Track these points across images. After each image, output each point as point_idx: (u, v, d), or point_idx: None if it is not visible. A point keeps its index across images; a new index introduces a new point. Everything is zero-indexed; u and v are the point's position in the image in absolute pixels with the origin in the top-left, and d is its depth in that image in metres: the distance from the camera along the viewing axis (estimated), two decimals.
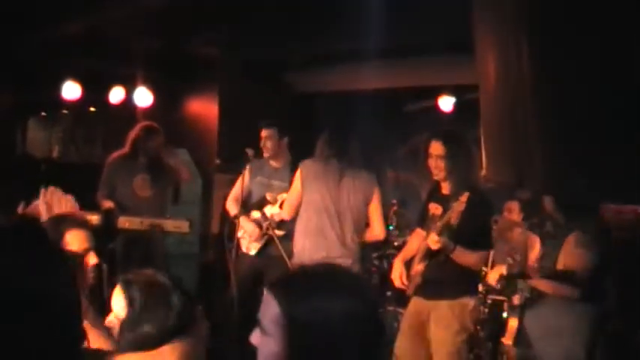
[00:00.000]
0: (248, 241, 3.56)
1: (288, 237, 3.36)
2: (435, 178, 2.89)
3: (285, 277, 1.11)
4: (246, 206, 3.74)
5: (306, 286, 1.01)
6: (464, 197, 2.63)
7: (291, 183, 3.41)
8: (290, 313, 0.98)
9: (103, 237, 4.09)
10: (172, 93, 5.55)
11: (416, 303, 2.91)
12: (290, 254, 3.25)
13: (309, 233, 3.13)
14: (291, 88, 5.87)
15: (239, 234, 3.76)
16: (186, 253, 5.41)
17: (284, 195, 3.57)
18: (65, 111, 5.90)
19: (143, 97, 5.30)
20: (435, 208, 2.90)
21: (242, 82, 5.38)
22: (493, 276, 3.39)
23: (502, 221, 3.70)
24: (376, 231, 3.22)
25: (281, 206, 3.59)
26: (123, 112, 5.25)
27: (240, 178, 3.78)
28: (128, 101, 5.27)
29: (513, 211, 3.78)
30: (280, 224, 3.59)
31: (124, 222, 3.95)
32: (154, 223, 3.95)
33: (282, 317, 0.98)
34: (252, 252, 3.70)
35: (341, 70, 5.41)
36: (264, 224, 3.66)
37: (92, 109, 5.84)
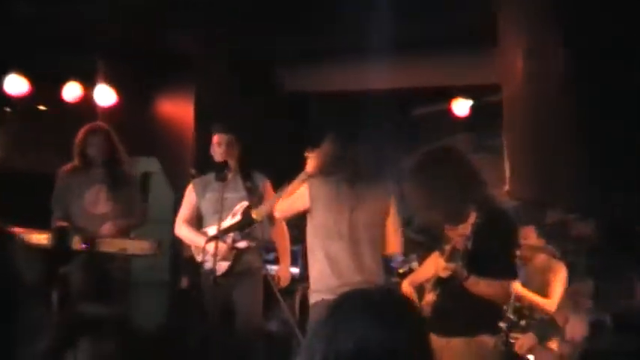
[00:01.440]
0: (213, 261, 3.62)
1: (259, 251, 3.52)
2: None
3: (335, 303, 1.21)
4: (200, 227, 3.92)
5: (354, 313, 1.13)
6: (471, 218, 2.64)
7: (249, 191, 3.73)
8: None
9: (54, 260, 4.10)
10: (140, 91, 5.50)
11: None
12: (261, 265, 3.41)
13: (323, 260, 3.23)
14: (280, 88, 5.88)
15: (199, 257, 3.86)
16: (155, 281, 5.37)
17: (244, 203, 3.79)
18: (8, 109, 5.83)
19: (104, 95, 5.23)
20: (450, 230, 2.90)
21: (222, 80, 5.37)
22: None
23: (522, 248, 3.70)
24: (392, 245, 3.38)
25: (242, 215, 3.77)
26: (80, 112, 5.16)
27: (185, 198, 4.02)
28: (86, 100, 5.21)
29: (529, 238, 3.79)
30: (246, 236, 3.72)
31: (78, 242, 3.91)
32: (115, 244, 3.93)
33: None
34: (220, 271, 3.77)
35: (340, 68, 5.43)
36: (229, 238, 3.75)
37: (42, 107, 5.77)
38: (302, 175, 3.40)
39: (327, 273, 3.21)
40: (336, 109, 5.98)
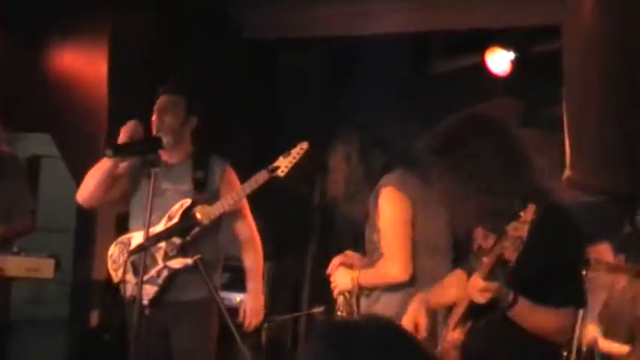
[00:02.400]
0: (134, 283, 3.63)
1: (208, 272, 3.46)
2: None
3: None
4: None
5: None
6: (527, 214, 2.65)
7: (197, 183, 3.78)
8: None
9: None
10: (29, 38, 5.46)
11: None
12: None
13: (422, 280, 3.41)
14: (238, 33, 5.85)
15: (116, 276, 3.88)
16: (47, 318, 5.33)
17: (186, 201, 3.86)
18: None
19: None
20: (482, 237, 2.91)
21: (149, 18, 5.32)
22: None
23: (593, 266, 3.75)
24: None
25: (181, 218, 3.82)
26: None
27: None
28: None
29: (602, 252, 3.83)
30: (185, 249, 3.76)
31: None
32: None
33: None
34: (147, 298, 3.79)
35: (327, 4, 5.39)
36: (160, 252, 3.78)
37: None
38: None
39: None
40: (319, 66, 5.97)
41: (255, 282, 4.08)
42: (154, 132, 3.85)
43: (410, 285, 3.42)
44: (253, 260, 4.09)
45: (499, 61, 5.45)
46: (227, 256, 4.16)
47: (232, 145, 5.07)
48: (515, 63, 5.38)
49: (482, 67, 5.46)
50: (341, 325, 1.31)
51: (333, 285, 3.59)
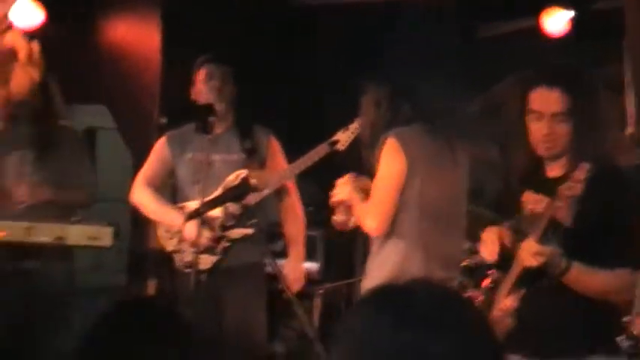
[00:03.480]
0: (191, 252, 3.69)
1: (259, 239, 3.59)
2: (544, 152, 2.87)
3: (362, 302, 1.29)
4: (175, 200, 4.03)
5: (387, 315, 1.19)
6: (580, 172, 2.63)
7: (248, 153, 3.82)
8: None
9: None
10: (80, 9, 5.52)
11: None
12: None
13: (417, 245, 3.32)
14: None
15: (170, 245, 3.94)
16: (104, 286, 5.43)
17: (241, 172, 3.90)
18: None
19: (27, 14, 5.28)
20: (534, 201, 2.89)
21: None
22: None
23: None
24: None
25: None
26: None
27: (152, 154, 4.13)
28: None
29: None
30: (242, 219, 3.80)
31: None
32: (49, 231, 3.97)
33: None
34: (204, 267, 3.86)
35: None
36: (216, 222, 3.82)
37: None
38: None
39: (415, 262, 3.32)
40: (360, 28, 5.96)
41: (297, 249, 4.15)
42: (203, 100, 3.90)
43: (406, 248, 3.33)
44: (295, 227, 4.16)
45: (556, 21, 5.39)
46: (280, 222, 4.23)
47: (272, 112, 5.11)
48: (575, 22, 5.33)
49: (537, 29, 5.41)
50: (393, 288, 1.27)
51: (333, 192, 3.51)
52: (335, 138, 3.89)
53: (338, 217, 3.51)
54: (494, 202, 3.48)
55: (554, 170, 2.86)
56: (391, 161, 3.31)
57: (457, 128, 3.49)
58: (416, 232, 3.32)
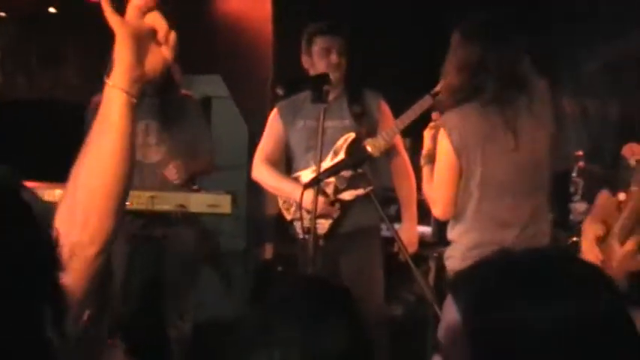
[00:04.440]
0: (309, 219, 3.73)
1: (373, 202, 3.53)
2: None
3: (474, 271, 1.21)
4: (290, 168, 4.08)
5: (506, 284, 1.12)
6: None
7: (357, 117, 3.85)
8: (478, 325, 1.10)
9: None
10: None
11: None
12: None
13: (480, 227, 3.31)
14: None
15: (289, 213, 4.05)
16: (227, 250, 5.61)
17: (349, 135, 3.95)
18: (3, 13, 5.82)
19: None
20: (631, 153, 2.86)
21: None
22: None
23: None
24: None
25: (347, 152, 3.92)
26: (102, 13, 5.36)
27: (267, 128, 4.16)
28: None
29: None
30: (354, 181, 3.82)
31: None
32: (172, 199, 4.16)
33: (466, 331, 1.11)
34: (321, 232, 3.96)
35: None
36: (330, 186, 3.91)
37: (51, 10, 5.78)
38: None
39: (485, 240, 3.31)
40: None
41: (410, 211, 4.18)
42: (318, 71, 3.93)
43: (479, 229, 3.31)
44: (407, 190, 4.18)
45: None
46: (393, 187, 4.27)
47: (391, 78, 5.13)
48: None
49: None
50: (505, 256, 1.19)
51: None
52: (437, 88, 3.88)
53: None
54: (612, 160, 3.42)
55: None
56: (441, 148, 3.32)
57: (577, 84, 3.42)
58: (479, 216, 3.32)
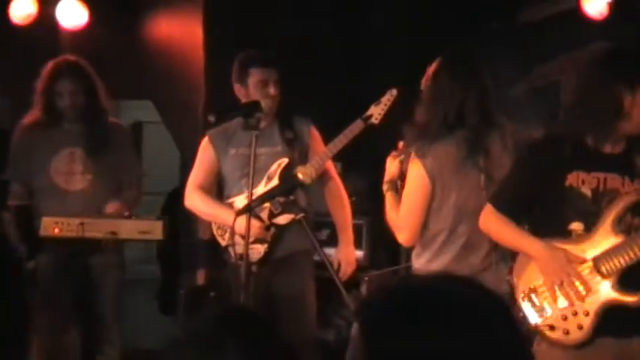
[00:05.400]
0: (243, 244, 3.73)
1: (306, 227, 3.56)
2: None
3: (377, 296, 1.26)
4: (222, 194, 4.10)
5: (404, 310, 1.15)
6: None
7: (289, 143, 3.88)
8: (373, 347, 1.13)
9: (12, 251, 4.26)
10: (123, 7, 5.60)
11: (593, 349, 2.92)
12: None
13: (451, 250, 3.36)
14: None
15: (224, 239, 4.05)
16: (152, 277, 5.57)
17: (282, 160, 3.98)
18: None
19: (71, 14, 5.36)
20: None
21: None
22: None
23: None
24: None
25: (280, 178, 3.94)
26: (34, 38, 5.26)
27: (199, 156, 4.17)
28: (45, 19, 5.28)
29: None
30: (288, 206, 3.83)
31: (51, 226, 4.11)
32: (103, 226, 4.13)
33: (364, 352, 1.14)
34: (256, 257, 3.96)
35: None
36: (265, 211, 3.92)
37: None
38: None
39: (452, 267, 3.34)
40: (408, 17, 5.98)
41: (346, 234, 4.21)
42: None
43: (455, 250, 3.35)
44: (342, 214, 4.21)
45: (595, 4, 5.38)
46: (326, 212, 4.29)
47: (319, 103, 5.18)
48: (612, 5, 5.34)
49: (576, 12, 5.40)
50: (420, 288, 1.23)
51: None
52: (368, 113, 3.92)
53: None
54: None
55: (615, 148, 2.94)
56: (415, 182, 3.34)
57: (502, 111, 3.50)
58: (453, 238, 3.35)
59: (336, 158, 4.18)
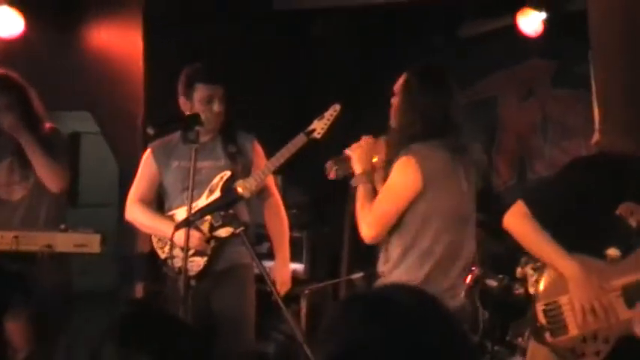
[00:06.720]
0: (182, 257, 3.73)
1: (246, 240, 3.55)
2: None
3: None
4: (163, 206, 4.11)
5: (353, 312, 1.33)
6: None
7: (232, 157, 3.93)
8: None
9: None
10: (61, 16, 5.54)
11: None
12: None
13: (438, 257, 3.35)
14: (269, 4, 5.95)
15: (163, 252, 4.06)
16: (95, 291, 5.48)
17: (225, 174, 4.00)
18: None
19: (6, 22, 5.27)
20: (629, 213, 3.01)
21: None
22: None
23: None
24: None
25: (223, 190, 3.95)
26: None
27: (141, 169, 4.19)
28: None
29: None
30: (229, 220, 3.77)
31: None
32: (38, 239, 4.06)
33: None
34: (196, 269, 3.97)
35: None
36: (205, 224, 3.93)
37: None
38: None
39: (435, 275, 3.34)
40: (354, 35, 6.04)
41: (282, 250, 4.23)
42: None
43: (439, 256, 3.34)
44: (280, 229, 4.25)
45: (530, 21, 5.48)
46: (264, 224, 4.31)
47: (263, 118, 5.19)
48: (547, 23, 5.44)
49: (513, 28, 5.50)
50: (376, 296, 1.39)
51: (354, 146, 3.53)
52: (311, 127, 3.95)
53: (333, 165, 3.57)
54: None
55: None
56: (405, 178, 3.30)
57: None
58: (438, 244, 3.34)
59: (277, 171, 4.19)
